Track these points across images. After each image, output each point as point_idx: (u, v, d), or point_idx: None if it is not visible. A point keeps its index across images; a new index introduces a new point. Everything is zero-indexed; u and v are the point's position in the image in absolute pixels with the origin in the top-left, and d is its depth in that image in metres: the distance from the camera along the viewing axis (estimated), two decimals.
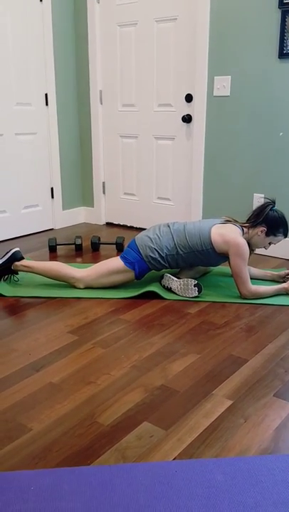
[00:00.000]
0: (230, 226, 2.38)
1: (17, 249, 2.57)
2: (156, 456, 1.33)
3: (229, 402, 1.57)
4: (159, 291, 2.41)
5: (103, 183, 3.95)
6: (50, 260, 2.99)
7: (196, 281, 2.38)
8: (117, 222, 3.96)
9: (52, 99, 3.66)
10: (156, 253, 2.38)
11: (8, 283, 2.59)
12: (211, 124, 3.22)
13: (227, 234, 2.33)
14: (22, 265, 2.51)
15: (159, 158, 3.58)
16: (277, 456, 1.32)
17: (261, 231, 2.38)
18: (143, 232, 2.48)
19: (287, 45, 2.79)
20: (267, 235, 2.39)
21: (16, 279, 2.64)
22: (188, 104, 3.33)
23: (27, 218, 3.67)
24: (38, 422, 1.47)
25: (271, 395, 1.61)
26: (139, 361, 1.83)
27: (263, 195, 3.09)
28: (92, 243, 3.22)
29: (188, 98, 3.30)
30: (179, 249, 2.38)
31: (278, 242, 2.44)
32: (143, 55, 3.47)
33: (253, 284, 2.49)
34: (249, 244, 2.44)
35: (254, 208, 3.11)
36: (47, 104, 3.65)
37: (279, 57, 2.84)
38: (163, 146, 3.54)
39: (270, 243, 2.43)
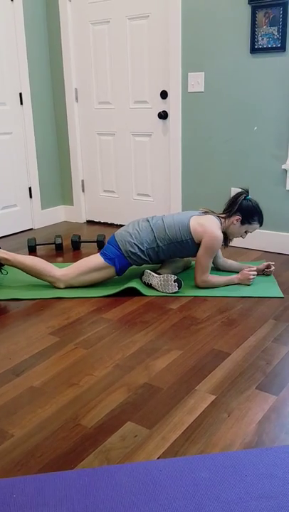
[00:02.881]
0: (210, 217, 2.41)
1: None
2: (141, 456, 1.32)
3: (212, 397, 1.57)
4: (139, 288, 2.40)
5: (82, 181, 3.91)
6: None
7: (176, 277, 2.38)
8: (97, 220, 3.93)
9: (27, 98, 3.60)
10: (136, 248, 2.38)
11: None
12: (187, 120, 3.21)
13: (207, 225, 2.35)
14: (1, 256, 2.43)
15: (137, 155, 3.56)
16: (260, 449, 1.32)
17: (236, 220, 2.41)
18: (122, 228, 2.47)
19: (258, 41, 2.79)
20: (242, 223, 2.42)
21: (4, 272, 2.59)
22: (164, 100, 3.31)
23: (5, 219, 3.62)
24: (19, 428, 1.45)
25: (253, 388, 1.61)
26: (122, 360, 1.82)
27: (239, 189, 3.09)
28: (72, 242, 3.19)
29: (164, 95, 3.28)
30: (158, 242, 2.38)
31: (254, 230, 2.47)
32: (117, 52, 3.43)
33: (227, 275, 2.53)
34: (226, 234, 2.47)
35: None
36: (22, 103, 3.59)
37: (251, 53, 2.84)
38: (140, 143, 3.52)
39: (246, 232, 2.47)
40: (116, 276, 2.53)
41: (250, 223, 2.43)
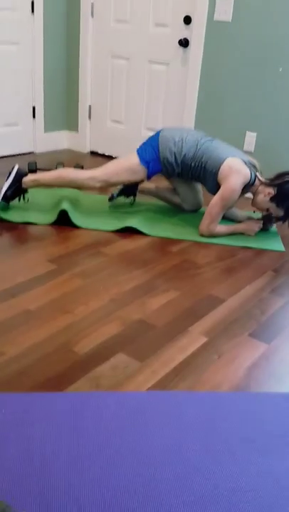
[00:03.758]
0: (244, 168, 2.25)
1: (17, 165, 2.45)
2: (130, 386, 1.35)
3: (204, 339, 1.59)
4: (141, 228, 2.36)
5: (89, 106, 3.72)
6: None
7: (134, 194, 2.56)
8: (102, 152, 3.80)
9: (39, 6, 3.32)
10: (174, 158, 2.32)
11: (21, 203, 2.53)
12: (209, 52, 3.00)
13: (233, 174, 2.23)
14: (30, 180, 2.41)
15: (151, 85, 3.36)
16: (247, 393, 1.35)
17: (268, 193, 2.28)
18: (169, 131, 2.36)
19: None
20: (271, 200, 2.28)
21: (27, 198, 2.57)
22: (187, 26, 3.08)
23: (5, 137, 3.46)
24: (12, 347, 1.46)
25: (246, 335, 1.63)
26: (118, 295, 1.82)
27: (255, 134, 2.97)
28: None
29: (187, 20, 3.05)
30: (194, 161, 2.30)
31: (275, 214, 2.33)
32: None
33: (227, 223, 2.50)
34: (253, 198, 2.37)
35: (245, 146, 3.02)
36: (33, 11, 3.31)
37: None
38: (156, 72, 3.31)
39: (268, 210, 2.33)
40: (144, 181, 2.49)
41: (277, 205, 2.28)
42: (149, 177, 2.39)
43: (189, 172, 2.36)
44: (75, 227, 2.38)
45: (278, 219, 2.38)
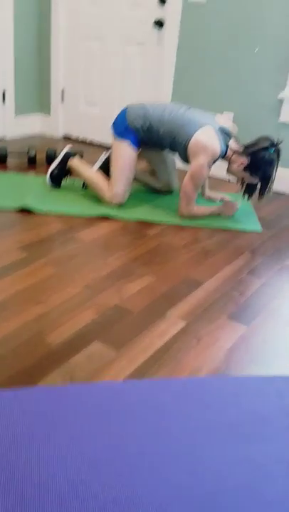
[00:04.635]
0: (213, 143, 2.16)
1: (68, 147, 2.56)
2: (107, 376, 1.30)
3: (183, 323, 1.54)
4: (116, 213, 2.29)
5: (62, 89, 3.60)
6: None
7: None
8: (75, 136, 3.68)
9: None
10: (141, 123, 2.27)
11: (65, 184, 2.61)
12: (185, 33, 2.91)
13: (200, 150, 2.15)
14: (72, 166, 2.49)
15: (126, 66, 3.26)
16: (228, 377, 1.32)
17: (242, 163, 2.19)
18: (138, 104, 2.33)
19: None
20: (244, 169, 2.20)
21: (69, 180, 2.64)
22: (162, 6, 2.97)
23: None
24: None
25: (225, 317, 1.59)
26: (93, 281, 1.75)
27: (232, 114, 2.92)
28: (47, 156, 2.98)
29: (162, 0, 2.94)
30: (161, 127, 2.24)
31: (251, 182, 2.24)
32: None
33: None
34: (228, 166, 2.28)
35: None
36: None
37: None
38: (131, 53, 3.21)
39: (243, 178, 2.26)
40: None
41: (251, 174, 2.19)
42: (136, 146, 2.34)
43: (159, 140, 2.28)
44: (47, 212, 2.29)
45: (254, 189, 2.30)
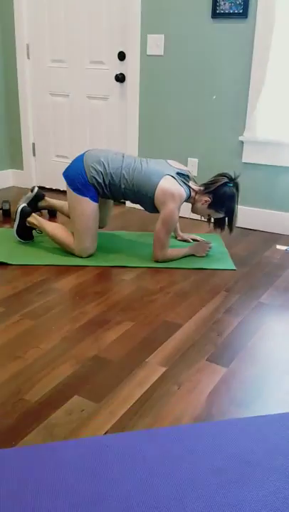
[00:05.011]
0: (178, 188, 2.24)
1: (24, 204, 2.51)
2: (88, 431, 1.27)
3: (163, 369, 1.53)
4: (89, 263, 2.31)
5: (33, 144, 3.70)
6: None
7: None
8: (49, 186, 3.75)
9: None
10: (101, 177, 2.26)
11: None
12: (145, 85, 3.07)
13: (168, 198, 2.23)
14: (31, 222, 2.48)
15: (93, 119, 3.39)
16: (210, 423, 1.31)
17: (206, 201, 2.31)
18: (94, 151, 2.32)
19: (220, 5, 2.68)
20: (209, 207, 2.32)
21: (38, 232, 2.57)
22: (122, 62, 3.14)
23: None
24: None
25: (204, 360, 1.59)
26: (71, 332, 1.74)
27: (197, 160, 3.04)
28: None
29: (121, 56, 3.12)
30: (122, 183, 2.26)
31: (217, 217, 2.37)
32: (73, 7, 3.20)
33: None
34: (192, 207, 2.39)
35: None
36: None
37: (212, 17, 2.73)
38: (96, 106, 3.35)
39: (209, 215, 2.37)
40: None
41: (216, 210, 2.32)
42: (96, 201, 2.32)
43: (121, 194, 2.32)
44: (22, 265, 2.30)
45: (224, 223, 2.39)
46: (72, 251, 2.38)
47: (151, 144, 3.17)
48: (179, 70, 2.94)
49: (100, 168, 2.26)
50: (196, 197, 2.34)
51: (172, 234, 2.69)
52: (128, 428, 1.28)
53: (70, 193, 2.31)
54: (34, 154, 3.72)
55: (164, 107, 3.06)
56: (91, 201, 2.29)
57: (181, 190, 2.26)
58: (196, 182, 2.40)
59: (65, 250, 2.42)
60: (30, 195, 2.75)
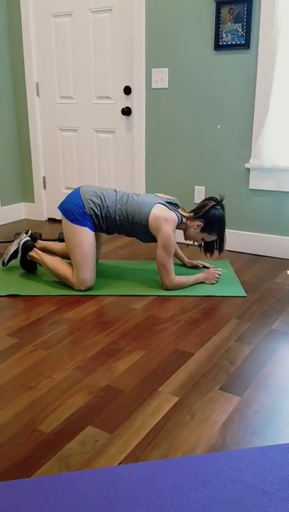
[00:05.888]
0: (169, 213, 2.33)
1: (26, 238, 2.55)
2: (102, 461, 1.27)
3: (175, 399, 1.53)
4: (100, 292, 2.34)
5: (43, 177, 3.80)
6: None
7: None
8: (59, 218, 3.83)
9: None
10: (99, 210, 2.32)
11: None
12: (151, 117, 3.17)
13: (162, 222, 2.29)
14: (32, 256, 2.52)
15: (100, 152, 3.49)
16: (224, 453, 1.30)
17: (198, 225, 2.38)
18: (88, 187, 2.39)
19: (222, 37, 2.80)
20: (202, 230, 2.39)
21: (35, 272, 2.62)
22: (127, 96, 3.26)
23: None
24: None
25: (217, 389, 1.59)
26: (83, 362, 1.76)
27: (203, 188, 3.10)
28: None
29: (127, 90, 3.24)
30: (117, 215, 2.32)
31: (211, 240, 2.43)
32: (79, 46, 3.35)
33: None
34: (185, 233, 2.45)
35: (195, 199, 3.13)
36: None
37: (215, 49, 2.84)
38: (104, 139, 3.45)
39: (202, 239, 2.44)
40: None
41: (209, 233, 2.39)
42: (94, 231, 2.37)
43: (116, 227, 2.37)
44: (33, 295, 2.33)
45: (213, 246, 2.45)
46: (71, 285, 2.39)
47: (158, 173, 3.25)
48: (183, 102, 3.04)
49: (98, 201, 2.32)
50: (188, 223, 2.41)
51: (180, 262, 2.72)
52: (142, 458, 1.28)
53: (68, 224, 2.34)
54: (45, 187, 3.83)
55: (169, 138, 3.15)
56: (89, 230, 2.34)
57: (173, 215, 2.34)
58: (184, 209, 2.48)
59: (65, 284, 2.42)
60: (23, 237, 2.66)
